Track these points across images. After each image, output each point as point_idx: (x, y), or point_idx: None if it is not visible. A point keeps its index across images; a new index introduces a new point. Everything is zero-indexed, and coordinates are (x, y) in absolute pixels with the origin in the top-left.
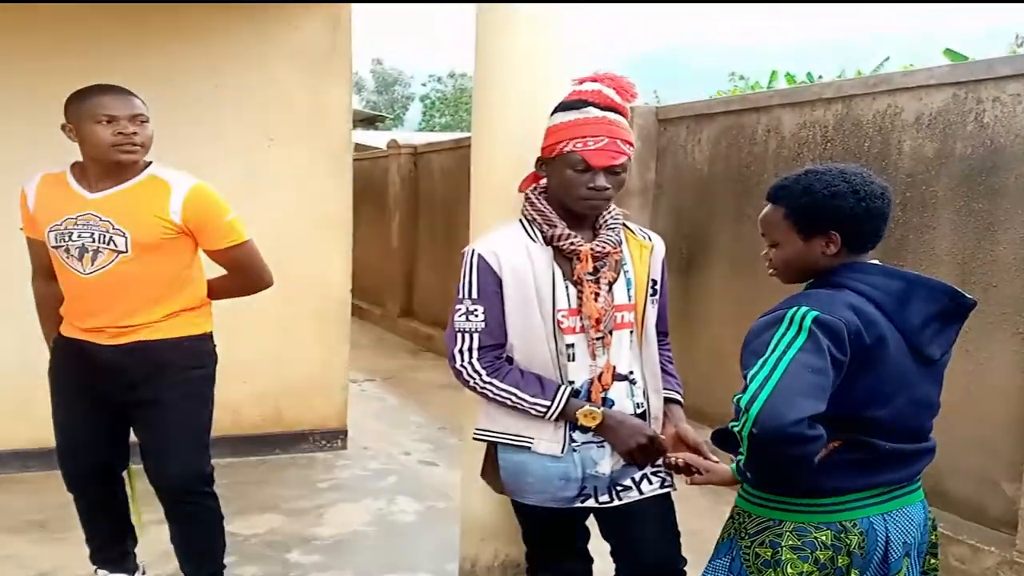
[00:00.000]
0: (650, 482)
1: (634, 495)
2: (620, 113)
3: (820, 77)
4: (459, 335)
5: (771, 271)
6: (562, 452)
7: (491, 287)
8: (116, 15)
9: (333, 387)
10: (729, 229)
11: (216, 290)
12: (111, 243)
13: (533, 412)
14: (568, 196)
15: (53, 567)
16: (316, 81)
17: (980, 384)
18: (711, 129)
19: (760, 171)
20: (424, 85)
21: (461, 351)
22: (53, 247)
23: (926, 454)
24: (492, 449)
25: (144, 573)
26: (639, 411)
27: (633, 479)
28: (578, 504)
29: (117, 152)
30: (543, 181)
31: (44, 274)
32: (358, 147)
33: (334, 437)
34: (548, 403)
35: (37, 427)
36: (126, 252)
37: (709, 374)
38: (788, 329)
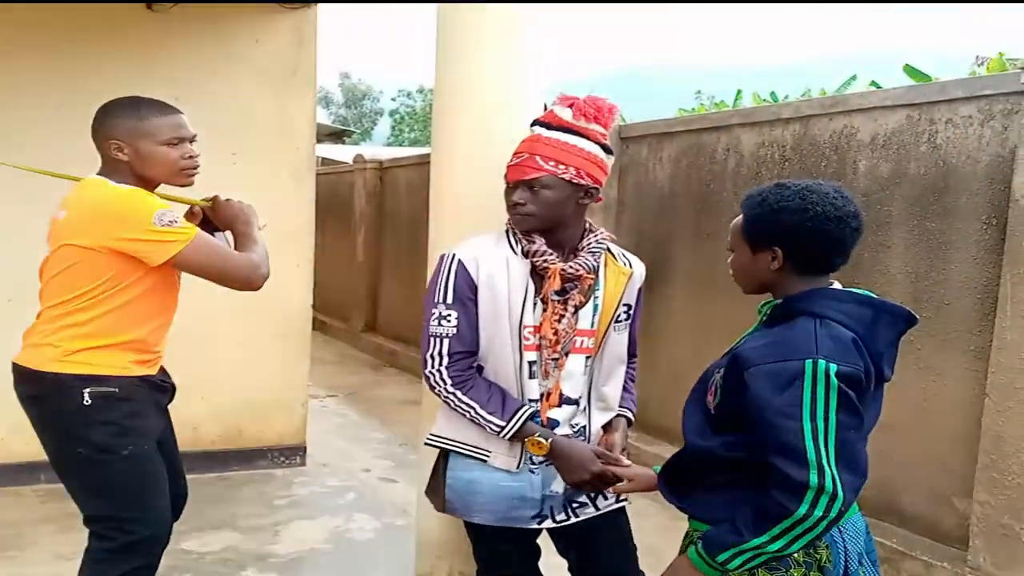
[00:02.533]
0: (605, 497)
1: (590, 511)
2: (577, 133)
3: (786, 97)
4: (431, 339)
5: (733, 278)
6: (518, 467)
7: (466, 293)
8: (75, 23)
9: (293, 403)
10: (689, 246)
11: None
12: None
13: (487, 429)
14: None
15: None
16: (280, 96)
17: (932, 401)
18: (672, 147)
19: (720, 189)
20: (393, 100)
21: (432, 356)
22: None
23: None
24: (441, 465)
25: None
26: (577, 427)
27: (589, 495)
28: (535, 525)
29: (184, 176)
30: None
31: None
32: (324, 161)
33: (293, 454)
34: (503, 423)
35: None
36: None
37: (669, 390)
38: (816, 388)
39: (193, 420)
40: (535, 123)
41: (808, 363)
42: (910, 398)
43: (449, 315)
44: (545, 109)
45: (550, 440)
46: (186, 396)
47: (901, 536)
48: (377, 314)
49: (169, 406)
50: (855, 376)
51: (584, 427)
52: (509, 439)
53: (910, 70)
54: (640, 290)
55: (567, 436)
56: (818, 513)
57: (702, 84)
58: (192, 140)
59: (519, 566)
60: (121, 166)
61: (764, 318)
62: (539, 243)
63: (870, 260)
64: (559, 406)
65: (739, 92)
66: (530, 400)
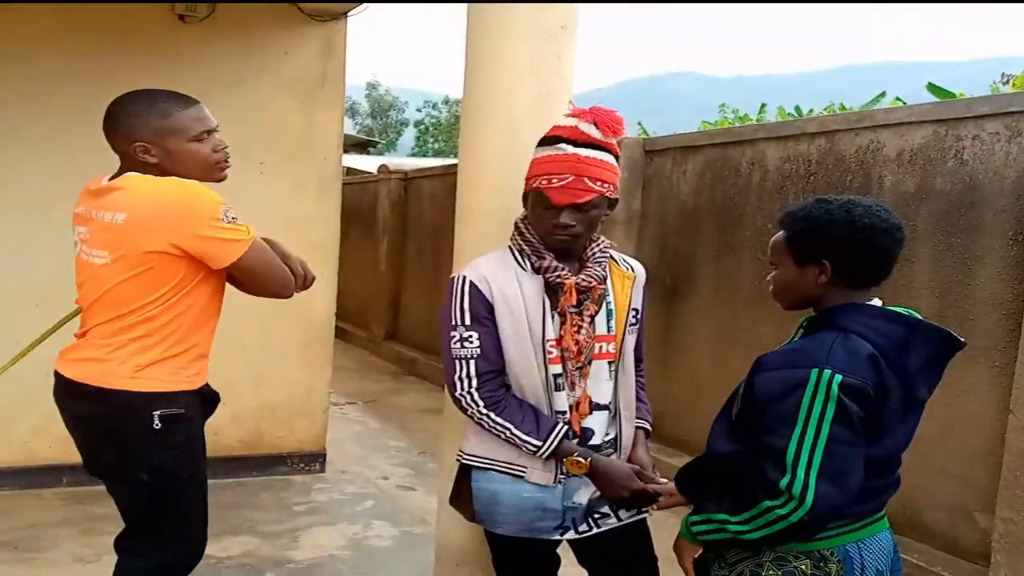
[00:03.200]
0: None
1: (612, 522)
2: (602, 148)
3: (811, 111)
4: (456, 363)
5: (772, 295)
6: (554, 482)
7: (483, 312)
8: (103, 31)
9: (314, 410)
10: (712, 260)
11: None
12: None
13: (524, 449)
14: (539, 231)
15: None
16: (308, 107)
17: (957, 417)
18: (696, 161)
19: (744, 203)
20: (419, 111)
21: (460, 379)
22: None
23: (893, 486)
24: (466, 476)
25: None
26: (608, 438)
27: (611, 507)
28: (557, 536)
29: (219, 170)
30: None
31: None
32: (349, 171)
33: (312, 460)
34: (540, 443)
35: (12, 447)
36: None
37: (689, 403)
38: (815, 397)
39: (214, 425)
40: (559, 140)
41: (814, 372)
42: (934, 413)
43: (470, 336)
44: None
45: (589, 459)
46: None
47: (923, 551)
48: (398, 323)
49: None
50: (860, 389)
51: (614, 439)
52: (545, 459)
53: (933, 88)
54: (644, 293)
55: (603, 451)
56: (781, 511)
57: (720, 93)
58: (216, 129)
59: (537, 574)
60: (150, 168)
61: (798, 329)
62: (549, 259)
63: (895, 275)
64: (590, 414)
65: (763, 106)
66: (558, 412)
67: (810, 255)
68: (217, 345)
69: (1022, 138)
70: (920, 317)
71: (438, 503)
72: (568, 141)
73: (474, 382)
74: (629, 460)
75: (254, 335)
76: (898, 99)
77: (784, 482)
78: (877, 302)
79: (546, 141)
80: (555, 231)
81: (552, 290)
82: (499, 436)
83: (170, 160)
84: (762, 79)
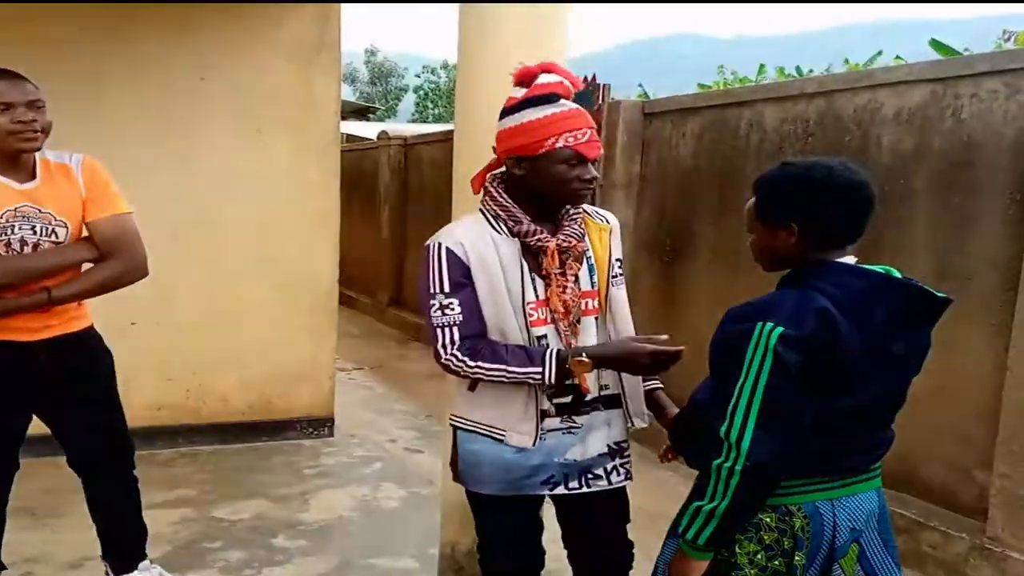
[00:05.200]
0: (618, 474)
1: (603, 484)
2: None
3: (810, 71)
4: (439, 331)
5: (755, 259)
6: (533, 445)
7: (461, 278)
8: (104, 9)
9: (321, 376)
10: (712, 221)
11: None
12: (53, 234)
13: (530, 381)
14: (561, 190)
15: (39, 553)
16: (305, 74)
17: (954, 374)
18: (695, 123)
19: (742, 165)
20: (418, 76)
21: (444, 346)
22: None
23: (882, 445)
24: (455, 438)
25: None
26: (604, 392)
27: (604, 469)
28: (545, 491)
29: (16, 140)
30: (494, 173)
31: None
32: (349, 138)
33: (321, 425)
34: (540, 369)
35: None
36: (64, 242)
37: (691, 363)
38: (756, 350)
39: (224, 392)
40: (557, 96)
41: (759, 325)
42: (931, 371)
43: (451, 303)
44: (588, 82)
45: (588, 355)
46: (218, 369)
47: (920, 507)
48: (402, 289)
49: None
50: (800, 340)
51: (608, 387)
52: (554, 382)
53: (936, 44)
54: (621, 246)
55: (597, 407)
56: (728, 464)
57: (720, 54)
58: (30, 105)
59: (520, 537)
60: None
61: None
62: (526, 222)
63: (894, 235)
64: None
65: (762, 67)
66: (568, 383)
67: (777, 218)
68: (223, 314)
69: (1021, 95)
70: (897, 274)
71: (443, 465)
72: (564, 97)
73: (456, 344)
74: (667, 421)
75: (259, 303)
76: (898, 58)
77: (723, 429)
78: (850, 259)
79: (544, 99)
80: (583, 186)
81: (531, 253)
82: (502, 381)
83: None
84: (763, 39)
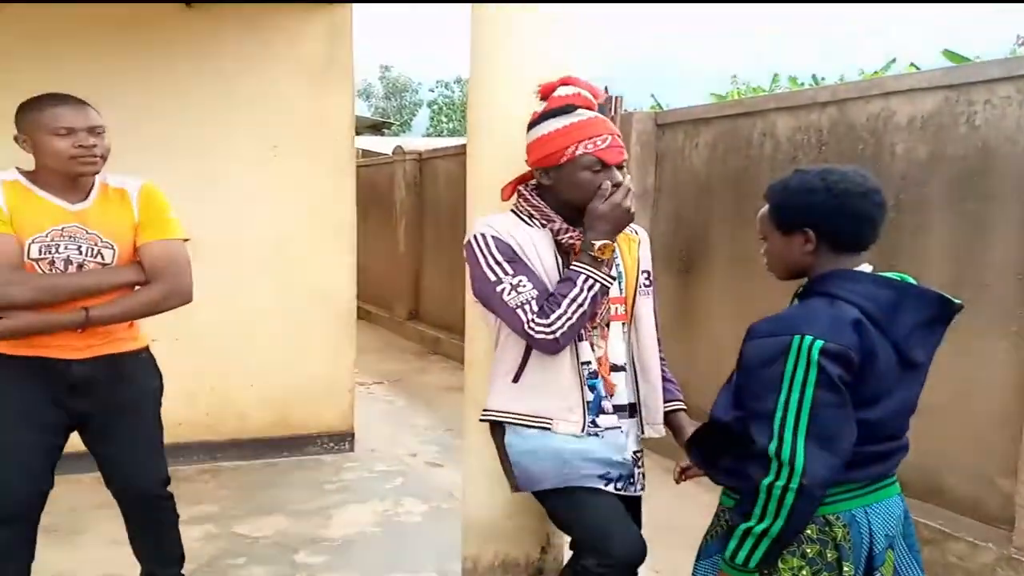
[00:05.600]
0: (644, 477)
1: (634, 490)
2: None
3: (823, 79)
4: (519, 311)
5: (767, 267)
6: (581, 431)
7: (516, 256)
8: (121, 25)
9: (340, 390)
10: (727, 231)
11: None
12: (99, 256)
13: (593, 293)
14: (589, 196)
15: (63, 571)
16: (318, 90)
17: (974, 382)
18: (708, 133)
19: (756, 174)
20: (432, 91)
21: (531, 324)
22: (34, 259)
23: (900, 451)
24: (499, 438)
25: None
26: (628, 402)
27: (636, 475)
28: (601, 485)
29: (77, 165)
30: (531, 183)
31: (19, 269)
32: (365, 153)
33: (341, 440)
34: (584, 277)
35: None
36: (111, 264)
37: (709, 374)
38: (798, 364)
39: (242, 408)
40: (575, 108)
41: (796, 339)
42: (951, 379)
43: (520, 280)
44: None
45: (593, 238)
46: (236, 384)
47: (946, 517)
48: (420, 303)
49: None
50: (842, 355)
51: (632, 404)
52: (597, 280)
53: (950, 55)
54: (651, 259)
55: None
56: (780, 483)
57: (732, 60)
58: (91, 131)
59: (610, 511)
60: (36, 160)
61: (793, 299)
62: (559, 222)
63: (909, 243)
64: (610, 374)
65: (775, 76)
66: (583, 363)
67: (793, 224)
68: (242, 330)
69: None
70: (913, 281)
71: (463, 479)
72: (583, 107)
73: (537, 315)
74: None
75: (278, 319)
76: (912, 66)
77: (772, 447)
78: (867, 267)
79: (560, 111)
80: (612, 191)
81: (563, 253)
82: (583, 311)
83: (37, 151)
84: (774, 48)
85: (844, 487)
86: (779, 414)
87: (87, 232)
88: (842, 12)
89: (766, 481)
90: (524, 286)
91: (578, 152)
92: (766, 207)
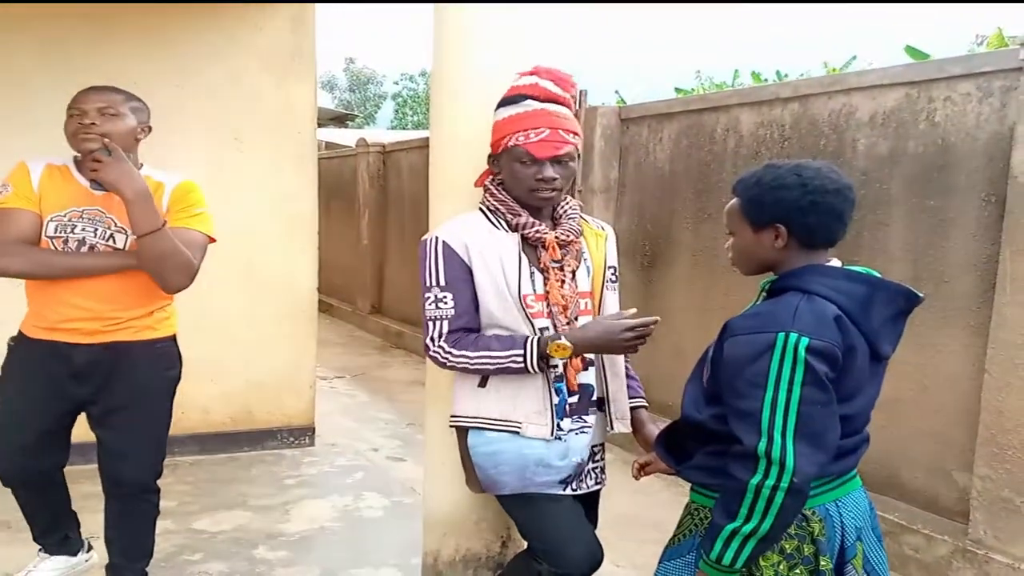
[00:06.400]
0: (604, 473)
1: (589, 485)
2: (562, 104)
3: (786, 76)
4: (430, 323)
5: (731, 262)
6: (551, 435)
7: (459, 273)
8: (80, 15)
9: (301, 384)
10: (690, 226)
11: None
12: (111, 240)
13: (512, 366)
14: (519, 189)
15: (17, 567)
16: (281, 81)
17: (932, 376)
18: (672, 128)
19: (719, 169)
20: (396, 84)
21: (432, 338)
22: (49, 236)
23: (864, 444)
24: (464, 442)
25: (91, 549)
26: (595, 396)
27: (593, 471)
28: (561, 490)
29: (78, 141)
30: (492, 176)
31: (29, 243)
32: (328, 145)
33: (302, 434)
34: (521, 352)
35: None
36: (123, 250)
37: (671, 369)
38: (783, 361)
39: (204, 402)
40: (524, 98)
41: (780, 335)
42: (910, 373)
43: (444, 296)
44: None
45: (569, 339)
46: (197, 379)
47: (902, 510)
48: (383, 296)
49: (177, 387)
50: (828, 352)
51: (601, 399)
52: (535, 365)
53: (912, 51)
54: (616, 255)
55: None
56: (770, 482)
57: (698, 58)
58: (100, 112)
59: (568, 520)
60: None
61: (760, 292)
62: (524, 216)
63: (870, 238)
64: (584, 369)
65: (736, 72)
66: (552, 366)
67: (765, 220)
68: (203, 324)
69: (993, 98)
70: (879, 276)
71: (424, 473)
72: (533, 98)
73: (444, 336)
74: (644, 440)
75: (239, 313)
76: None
77: (762, 447)
78: (836, 262)
79: (510, 100)
80: (540, 186)
81: (530, 247)
82: (486, 368)
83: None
84: (738, 43)
85: (819, 481)
86: (767, 413)
87: (105, 215)
88: (805, 13)
89: (754, 480)
90: (446, 303)
91: (511, 143)
92: (735, 201)
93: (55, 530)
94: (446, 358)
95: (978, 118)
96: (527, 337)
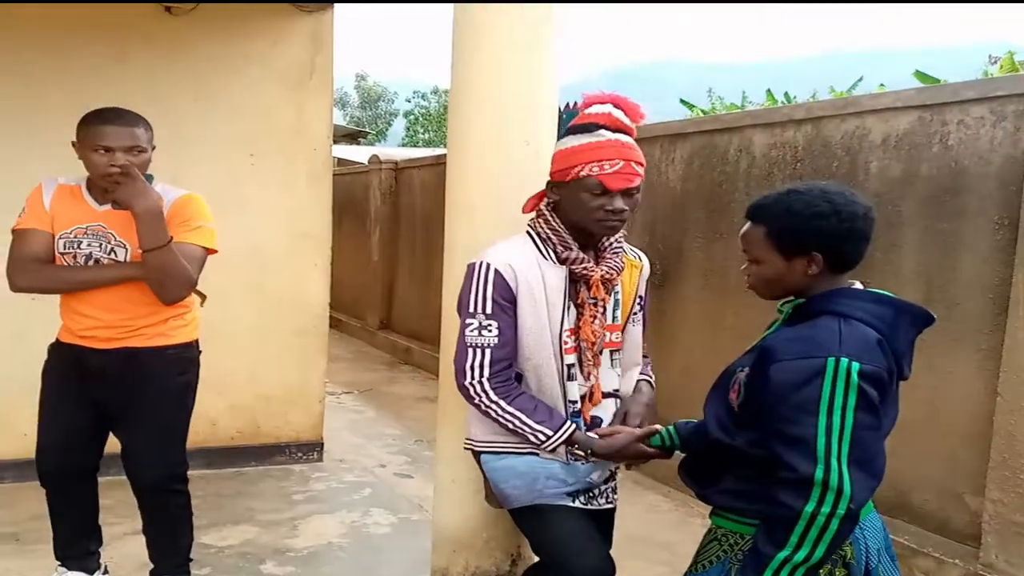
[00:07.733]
0: (615, 492)
1: (601, 503)
2: (630, 134)
3: (795, 97)
4: (471, 350)
5: (748, 286)
6: (568, 462)
7: (505, 302)
8: (99, 28)
9: (310, 400)
10: (702, 246)
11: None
12: (113, 253)
13: (532, 438)
14: (586, 219)
15: None
16: (297, 97)
17: (944, 399)
18: (684, 148)
19: (732, 190)
20: (408, 101)
21: (472, 367)
22: (61, 253)
23: None
24: (479, 466)
25: (107, 573)
26: (590, 422)
27: (606, 491)
28: (570, 502)
29: (109, 181)
30: (547, 200)
31: (40, 261)
32: (340, 162)
33: (310, 449)
34: (551, 433)
35: (12, 439)
36: (125, 263)
37: (681, 388)
38: (835, 385)
39: (212, 416)
40: (597, 127)
41: (831, 360)
42: (921, 396)
43: (489, 325)
44: (568, 109)
45: (588, 452)
46: (205, 392)
47: (913, 533)
48: (392, 312)
49: (194, 391)
50: (878, 376)
51: (600, 418)
52: (551, 449)
53: (921, 75)
54: (647, 283)
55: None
56: (825, 510)
57: (708, 80)
58: (129, 151)
59: (577, 533)
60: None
61: (785, 316)
62: (576, 249)
63: (882, 260)
64: (600, 401)
65: (744, 94)
66: (571, 402)
67: (799, 249)
68: (212, 337)
69: (1007, 122)
70: (895, 296)
71: (434, 490)
72: (606, 128)
73: (486, 371)
74: (625, 414)
75: (249, 327)
76: (881, 86)
77: (819, 474)
78: (859, 285)
79: (582, 128)
80: (609, 217)
81: (571, 280)
82: (505, 425)
83: (83, 161)
84: (747, 66)
85: None
86: (823, 439)
87: (106, 230)
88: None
89: (809, 508)
90: (489, 331)
91: (583, 173)
92: (760, 229)
93: (79, 541)
94: (479, 396)
95: (991, 142)
96: (564, 423)
